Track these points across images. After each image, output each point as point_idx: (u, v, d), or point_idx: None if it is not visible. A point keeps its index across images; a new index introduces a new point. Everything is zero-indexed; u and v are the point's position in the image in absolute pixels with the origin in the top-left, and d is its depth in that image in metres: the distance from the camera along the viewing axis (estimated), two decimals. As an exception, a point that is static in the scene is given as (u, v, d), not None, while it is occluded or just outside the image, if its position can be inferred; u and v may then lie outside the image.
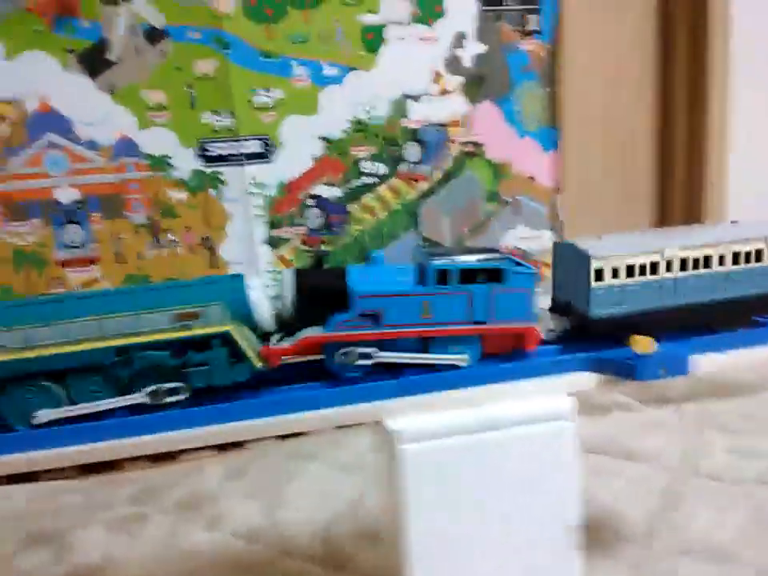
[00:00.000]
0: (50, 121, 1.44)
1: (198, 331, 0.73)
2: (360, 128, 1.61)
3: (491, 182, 1.73)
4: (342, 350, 0.77)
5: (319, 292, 0.78)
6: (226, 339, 0.73)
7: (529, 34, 1.68)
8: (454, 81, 1.65)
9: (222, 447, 1.54)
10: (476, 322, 0.79)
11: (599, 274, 0.84)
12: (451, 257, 0.80)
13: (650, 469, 1.39)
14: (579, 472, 0.80)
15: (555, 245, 0.95)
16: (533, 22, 1.68)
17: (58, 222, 1.48)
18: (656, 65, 1.85)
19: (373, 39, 1.57)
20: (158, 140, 1.49)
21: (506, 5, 1.65)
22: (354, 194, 1.65)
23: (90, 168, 1.48)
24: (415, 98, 1.64)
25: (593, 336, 0.85)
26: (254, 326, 0.78)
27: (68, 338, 0.72)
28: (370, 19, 1.56)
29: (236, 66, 1.50)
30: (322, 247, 1.65)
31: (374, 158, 1.64)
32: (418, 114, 1.65)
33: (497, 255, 0.81)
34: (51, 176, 1.46)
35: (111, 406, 0.74)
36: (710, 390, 1.66)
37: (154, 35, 1.46)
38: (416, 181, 1.68)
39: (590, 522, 1.20)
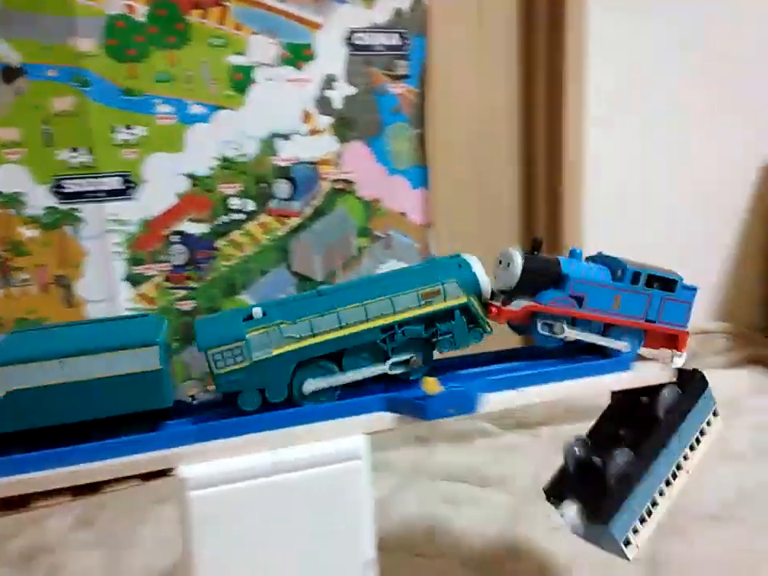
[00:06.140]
0: None
1: (445, 304, 0.86)
2: (227, 165, 1.60)
3: (363, 218, 1.76)
4: (548, 321, 0.90)
5: (538, 273, 0.90)
6: (464, 309, 0.86)
7: (398, 77, 1.73)
8: (324, 120, 1.67)
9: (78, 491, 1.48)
10: (648, 320, 0.94)
11: None
12: (637, 264, 0.94)
13: (501, 493, 1.47)
14: (372, 507, 0.82)
15: None
16: (402, 67, 1.73)
17: None
18: (519, 108, 1.93)
19: (241, 80, 1.57)
20: (10, 177, 1.43)
21: (375, 51, 1.69)
22: (222, 231, 1.63)
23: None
24: (285, 137, 1.64)
25: None
26: (479, 296, 0.89)
27: (342, 323, 0.83)
28: (238, 60, 1.56)
29: (95, 103, 1.46)
30: (189, 283, 1.62)
31: (243, 194, 1.63)
32: (288, 152, 1.66)
33: (668, 270, 0.96)
34: None
35: (374, 374, 0.85)
36: (564, 414, 1.76)
37: (9, 73, 1.41)
38: (287, 217, 1.69)
39: (444, 548, 1.28)
